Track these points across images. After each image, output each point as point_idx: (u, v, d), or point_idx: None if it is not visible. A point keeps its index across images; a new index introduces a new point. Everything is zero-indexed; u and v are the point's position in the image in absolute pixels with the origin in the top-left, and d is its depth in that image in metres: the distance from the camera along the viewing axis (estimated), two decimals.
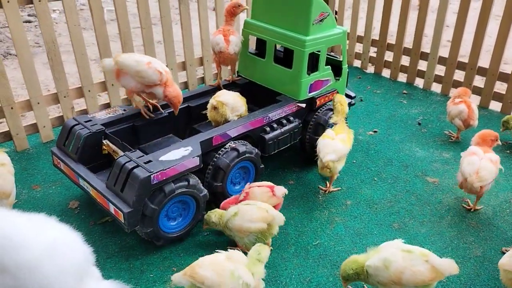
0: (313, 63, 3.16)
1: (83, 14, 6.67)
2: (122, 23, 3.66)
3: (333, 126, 3.05)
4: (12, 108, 3.29)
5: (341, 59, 3.34)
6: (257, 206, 2.46)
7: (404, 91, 4.59)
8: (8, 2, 3.03)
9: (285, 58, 3.33)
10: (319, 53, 3.14)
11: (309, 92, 3.15)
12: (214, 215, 2.54)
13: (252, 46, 3.55)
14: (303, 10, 2.96)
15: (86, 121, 2.78)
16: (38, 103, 3.42)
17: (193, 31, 4.17)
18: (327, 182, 3.11)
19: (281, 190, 2.63)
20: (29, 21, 6.05)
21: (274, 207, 2.55)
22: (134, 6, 3.85)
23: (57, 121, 3.62)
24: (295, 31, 3.03)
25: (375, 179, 3.23)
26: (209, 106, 2.99)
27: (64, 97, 3.56)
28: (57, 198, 2.94)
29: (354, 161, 3.42)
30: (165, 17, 3.91)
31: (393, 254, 2.03)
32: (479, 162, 2.75)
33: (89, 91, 3.68)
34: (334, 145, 2.87)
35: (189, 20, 4.09)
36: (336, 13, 5.25)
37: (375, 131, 3.83)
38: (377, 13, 4.82)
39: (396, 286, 2.02)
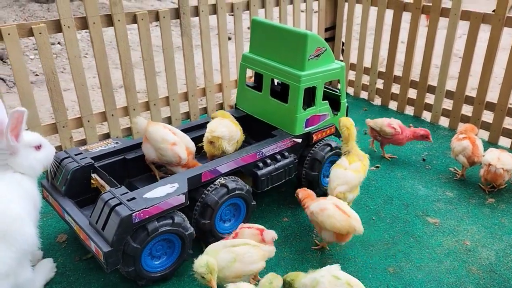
0: (310, 98, 3.10)
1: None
2: (123, 54, 3.69)
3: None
4: None
5: (338, 94, 3.28)
6: (251, 245, 2.34)
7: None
8: (8, 34, 3.09)
9: (282, 92, 3.29)
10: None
11: (306, 127, 3.08)
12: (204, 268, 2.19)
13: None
14: (298, 45, 2.93)
15: (76, 154, 2.76)
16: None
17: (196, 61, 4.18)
18: None
19: (270, 235, 2.46)
20: None
21: None
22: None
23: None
24: (291, 66, 3.00)
25: (373, 218, 3.11)
26: (204, 140, 2.95)
27: (63, 127, 3.58)
28: (46, 231, 2.91)
29: None
30: (166, 49, 3.93)
31: (322, 276, 2.17)
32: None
33: (88, 121, 3.69)
34: (346, 175, 2.82)
35: (192, 52, 4.10)
36: (343, 44, 5.24)
37: (377, 167, 3.73)
38: (384, 45, 4.78)
39: None
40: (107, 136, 3.86)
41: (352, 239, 2.88)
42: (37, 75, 5.58)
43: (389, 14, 4.57)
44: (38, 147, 2.40)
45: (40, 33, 3.23)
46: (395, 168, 3.71)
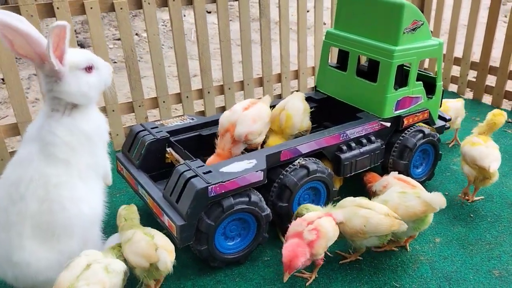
0: (401, 78, 2.80)
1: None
2: (201, 34, 3.59)
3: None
4: None
5: (434, 75, 2.94)
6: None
7: (509, 120, 3.99)
8: (91, 8, 3.08)
9: (370, 71, 3.00)
10: (409, 68, 2.79)
11: (395, 110, 2.78)
12: None
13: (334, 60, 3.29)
14: (393, 17, 2.64)
15: (152, 128, 2.67)
16: (113, 110, 3.42)
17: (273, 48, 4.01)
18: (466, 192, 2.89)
19: (339, 216, 2.21)
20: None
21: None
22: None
23: None
24: (383, 41, 2.71)
25: (472, 215, 2.73)
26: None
27: (139, 106, 3.54)
28: (118, 207, 2.82)
29: (447, 193, 2.94)
30: (244, 31, 3.78)
31: (390, 195, 2.31)
32: None
33: (164, 102, 3.63)
34: (493, 152, 2.70)
35: (269, 35, 3.94)
36: (431, 32, 4.82)
37: None
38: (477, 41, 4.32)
39: None
40: None
41: (447, 237, 2.55)
42: (115, 62, 5.70)
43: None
44: (89, 69, 1.97)
45: (121, 8, 3.20)
46: None
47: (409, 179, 2.58)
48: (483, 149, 2.68)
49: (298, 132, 2.73)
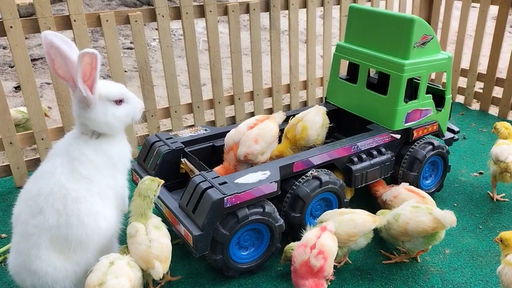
0: (411, 90, 2.85)
1: (180, 44, 6.97)
2: (212, 46, 3.66)
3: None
4: None
5: (442, 88, 2.99)
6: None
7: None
8: (106, 21, 3.16)
9: (379, 84, 3.06)
10: (418, 80, 2.84)
11: (405, 122, 2.83)
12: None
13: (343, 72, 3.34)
14: (403, 31, 2.70)
15: (167, 138, 2.73)
16: None
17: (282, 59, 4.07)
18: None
19: (332, 226, 2.23)
20: (131, 48, 6.43)
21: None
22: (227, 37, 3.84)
23: (143, 139, 3.65)
24: (393, 55, 2.77)
25: (480, 227, 2.77)
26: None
27: (152, 116, 3.60)
28: None
29: (455, 205, 2.98)
30: (254, 42, 3.85)
31: (403, 209, 2.36)
32: None
33: (176, 112, 3.69)
34: None
35: (279, 46, 4.00)
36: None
37: (480, 173, 3.35)
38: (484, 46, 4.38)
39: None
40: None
41: (457, 248, 2.58)
42: (125, 71, 5.77)
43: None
44: (119, 102, 2.05)
45: (136, 21, 3.27)
46: None
47: (419, 190, 2.63)
48: (506, 147, 2.89)
49: (312, 145, 2.77)
